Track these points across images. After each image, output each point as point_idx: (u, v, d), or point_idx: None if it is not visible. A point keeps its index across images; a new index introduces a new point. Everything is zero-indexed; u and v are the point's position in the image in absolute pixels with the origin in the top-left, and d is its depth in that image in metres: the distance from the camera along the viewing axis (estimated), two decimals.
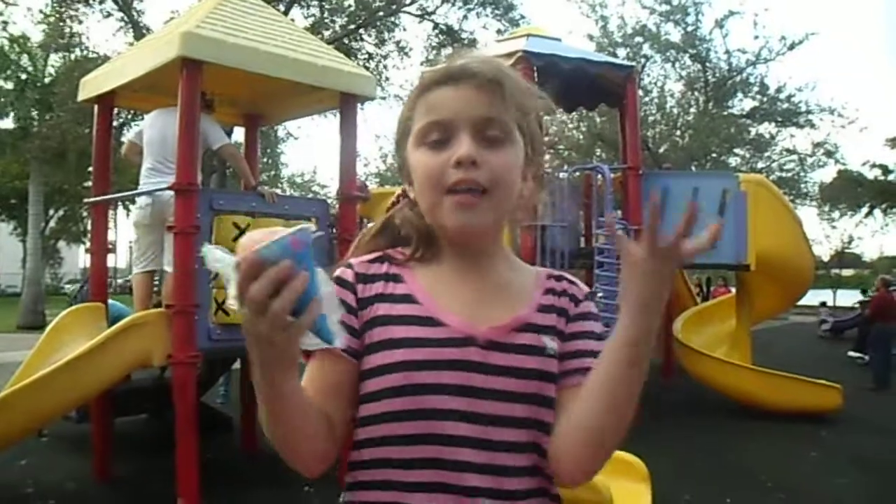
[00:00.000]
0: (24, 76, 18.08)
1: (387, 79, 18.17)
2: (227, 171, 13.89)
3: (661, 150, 21.34)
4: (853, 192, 26.49)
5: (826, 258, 31.80)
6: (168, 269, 4.58)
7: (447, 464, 0.90)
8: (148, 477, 4.98)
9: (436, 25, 18.39)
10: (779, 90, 22.44)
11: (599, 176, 7.62)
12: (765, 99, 22.71)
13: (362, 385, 0.95)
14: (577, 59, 7.13)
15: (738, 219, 7.26)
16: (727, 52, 22.87)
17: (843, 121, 22.56)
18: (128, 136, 6.17)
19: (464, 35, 18.12)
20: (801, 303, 11.14)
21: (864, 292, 19.58)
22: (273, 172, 25.75)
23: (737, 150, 23.74)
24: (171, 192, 4.31)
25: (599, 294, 6.53)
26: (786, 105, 22.46)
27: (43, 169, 18.80)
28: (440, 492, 0.90)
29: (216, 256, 0.73)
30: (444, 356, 0.92)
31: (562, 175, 7.76)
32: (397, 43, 18.02)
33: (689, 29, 22.12)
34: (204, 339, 4.28)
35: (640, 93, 18.68)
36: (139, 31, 14.74)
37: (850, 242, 31.44)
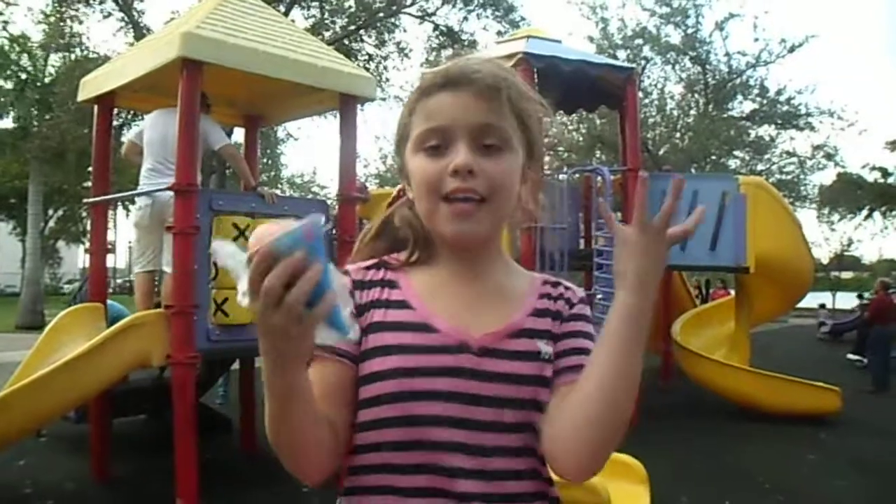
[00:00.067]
0: (24, 76, 18.06)
1: (387, 80, 18.24)
2: (226, 171, 13.90)
3: (661, 153, 21.36)
4: (853, 195, 26.46)
5: (825, 261, 31.78)
6: (167, 269, 4.58)
7: (440, 469, 0.91)
8: (147, 477, 4.98)
9: (436, 27, 18.43)
10: (779, 93, 22.49)
11: (599, 178, 7.62)
12: (765, 101, 22.74)
13: (360, 391, 0.95)
14: (578, 61, 7.12)
15: (737, 221, 7.27)
16: (727, 54, 22.97)
17: (842, 123, 22.63)
18: (128, 136, 6.16)
19: (464, 36, 18.15)
20: (800, 305, 11.14)
21: (860, 297, 19.58)
22: (273, 173, 25.76)
23: (736, 153, 23.76)
24: (171, 193, 4.31)
25: (599, 296, 6.53)
26: (786, 107, 22.49)
27: (42, 169, 18.80)
28: (434, 497, 0.90)
29: (228, 251, 0.73)
30: (438, 363, 0.92)
31: (561, 177, 7.76)
32: (397, 44, 18.08)
33: (690, 31, 22.18)
34: (203, 340, 4.28)
35: (640, 95, 18.68)
36: (139, 32, 14.77)
37: (849, 245, 31.45)
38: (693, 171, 19.91)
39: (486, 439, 0.91)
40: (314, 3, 17.03)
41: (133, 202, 6.41)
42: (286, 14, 13.72)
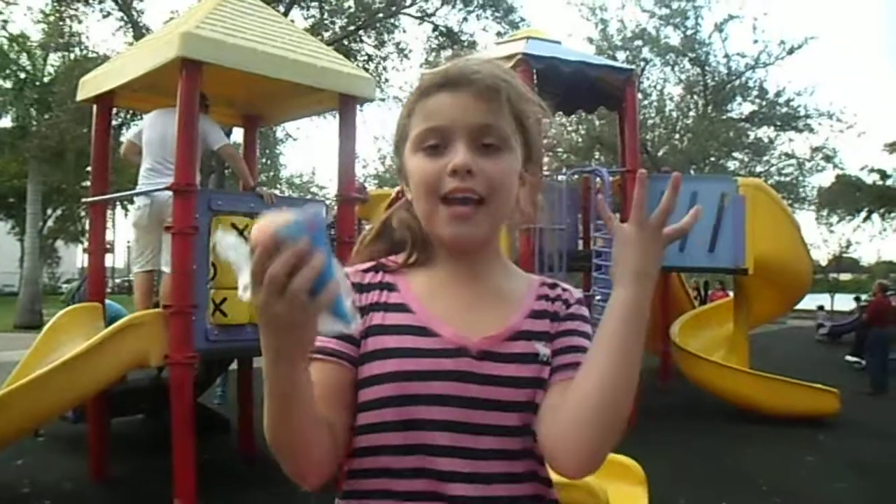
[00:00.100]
0: (23, 75, 18.06)
1: (386, 80, 18.22)
2: (225, 171, 13.89)
3: (660, 154, 21.38)
4: (851, 197, 26.48)
5: (824, 262, 31.75)
6: (165, 269, 4.58)
7: (436, 474, 0.90)
8: (144, 477, 4.97)
9: (436, 27, 18.43)
10: (778, 94, 22.49)
11: (598, 179, 7.62)
12: (764, 103, 22.75)
13: (359, 394, 0.95)
14: (577, 62, 7.13)
15: (736, 223, 7.27)
16: (726, 55, 22.96)
17: (841, 125, 22.60)
18: (127, 135, 6.17)
19: (463, 37, 18.14)
20: (798, 307, 11.16)
21: (857, 300, 19.60)
22: (272, 173, 25.74)
23: (735, 154, 23.76)
24: (170, 193, 4.30)
25: (597, 297, 6.54)
26: (785, 109, 22.48)
27: (41, 168, 18.80)
28: (431, 500, 0.90)
29: (230, 243, 0.72)
30: (437, 367, 0.92)
31: (560, 178, 7.76)
32: (397, 45, 18.06)
33: (689, 33, 22.18)
34: (201, 340, 4.27)
35: (640, 96, 18.73)
36: (139, 31, 14.76)
37: (847, 247, 31.43)
38: (692, 172, 19.90)
39: (483, 442, 0.91)
40: (313, 4, 17.03)
41: (132, 202, 6.41)
42: (285, 14, 13.72)
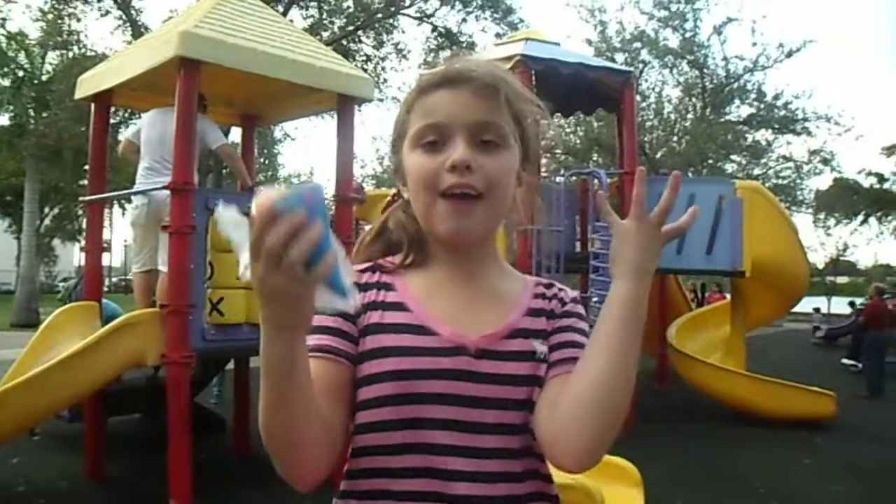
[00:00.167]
0: (21, 73, 18.03)
1: (385, 81, 18.20)
2: (223, 171, 13.88)
3: (659, 156, 21.40)
4: (849, 200, 26.55)
5: (821, 265, 31.85)
6: (162, 268, 4.57)
7: (437, 473, 0.90)
8: (140, 477, 4.96)
9: (434, 28, 18.43)
10: (776, 97, 22.57)
11: (596, 181, 7.63)
12: (762, 106, 22.82)
13: (358, 393, 0.94)
14: (576, 64, 7.13)
15: (733, 225, 7.28)
16: (725, 58, 23.06)
17: (839, 129, 22.73)
18: (125, 134, 6.15)
19: (462, 38, 18.15)
20: (795, 310, 11.18)
21: (852, 304, 19.63)
22: (270, 173, 25.73)
23: (733, 157, 23.83)
24: (168, 192, 4.30)
25: (594, 299, 6.53)
26: (783, 112, 22.57)
27: (39, 166, 18.76)
28: (432, 500, 0.90)
29: (231, 218, 0.71)
30: (435, 365, 0.92)
31: (558, 179, 7.76)
32: (396, 45, 18.06)
33: (688, 35, 22.25)
34: (198, 340, 4.26)
35: (638, 98, 18.72)
36: (137, 30, 14.75)
37: (844, 250, 31.51)
38: (690, 174, 19.92)
39: (481, 441, 0.91)
40: (312, 4, 17.02)
41: (129, 201, 6.40)
42: (284, 14, 13.72)
